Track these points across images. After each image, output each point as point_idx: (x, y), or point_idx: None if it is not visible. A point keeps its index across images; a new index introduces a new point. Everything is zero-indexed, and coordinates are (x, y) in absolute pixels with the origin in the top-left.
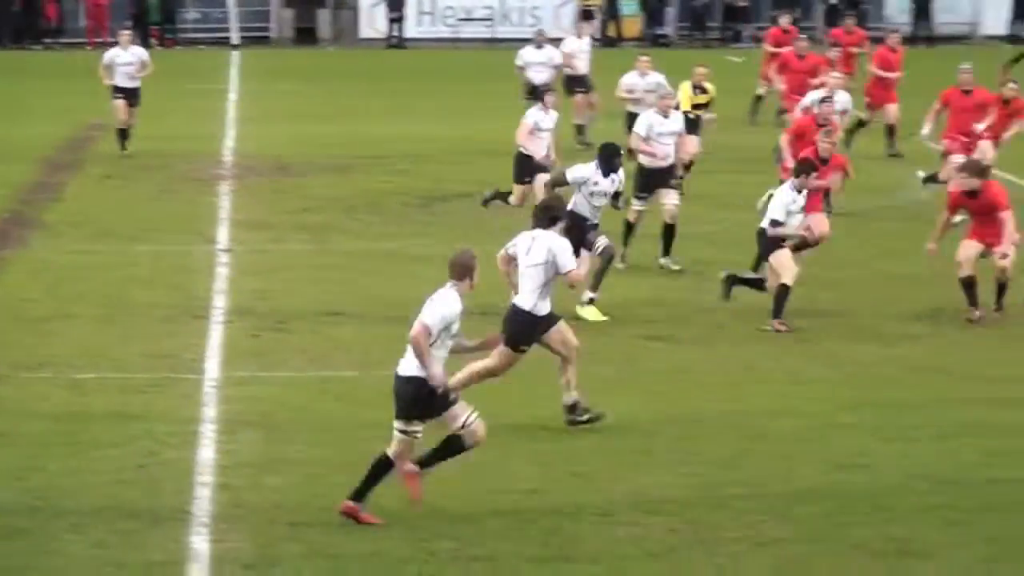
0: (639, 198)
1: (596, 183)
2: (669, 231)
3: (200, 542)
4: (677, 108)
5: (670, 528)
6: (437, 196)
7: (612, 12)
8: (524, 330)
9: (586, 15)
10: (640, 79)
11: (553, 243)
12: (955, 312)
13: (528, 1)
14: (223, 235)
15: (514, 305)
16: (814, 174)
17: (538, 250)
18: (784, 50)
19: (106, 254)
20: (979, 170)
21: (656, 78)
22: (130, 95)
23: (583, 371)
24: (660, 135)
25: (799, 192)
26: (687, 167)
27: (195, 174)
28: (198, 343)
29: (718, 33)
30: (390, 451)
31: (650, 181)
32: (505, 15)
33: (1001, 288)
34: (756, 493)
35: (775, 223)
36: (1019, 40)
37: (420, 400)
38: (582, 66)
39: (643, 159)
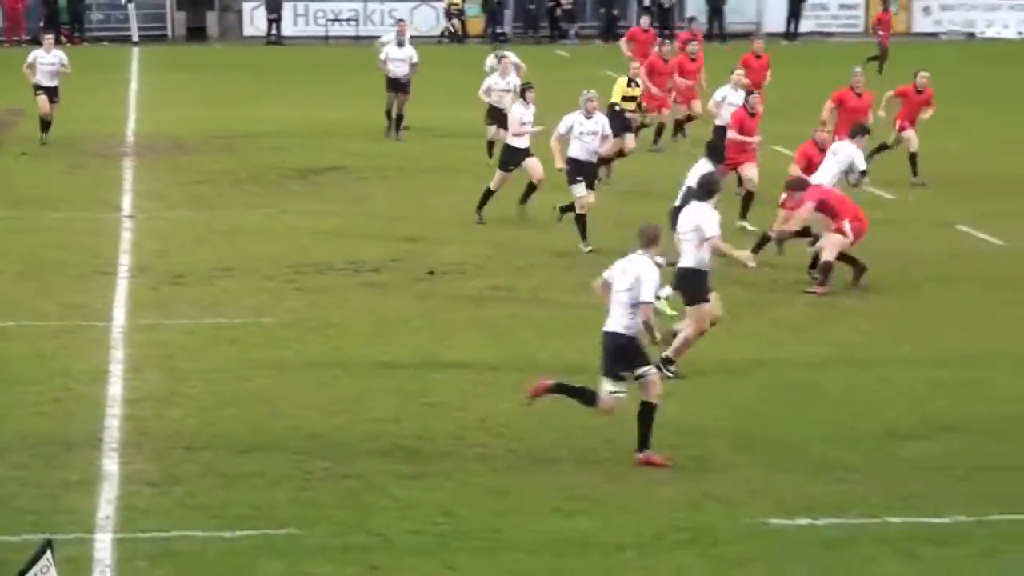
0: (577, 182)
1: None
2: (581, 221)
3: (110, 464)
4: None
5: (510, 449)
6: (310, 169)
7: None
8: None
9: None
10: (501, 79)
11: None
12: None
13: (387, 5)
14: (127, 204)
15: (684, 268)
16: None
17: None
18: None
19: (24, 220)
20: (801, 186)
21: (515, 79)
22: (51, 92)
23: (438, 317)
24: (582, 134)
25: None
26: (606, 161)
27: (102, 152)
28: (106, 295)
29: (547, 31)
30: (651, 398)
31: (584, 169)
32: (368, 16)
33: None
34: (579, 422)
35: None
36: (794, 36)
37: (631, 352)
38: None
39: (572, 151)
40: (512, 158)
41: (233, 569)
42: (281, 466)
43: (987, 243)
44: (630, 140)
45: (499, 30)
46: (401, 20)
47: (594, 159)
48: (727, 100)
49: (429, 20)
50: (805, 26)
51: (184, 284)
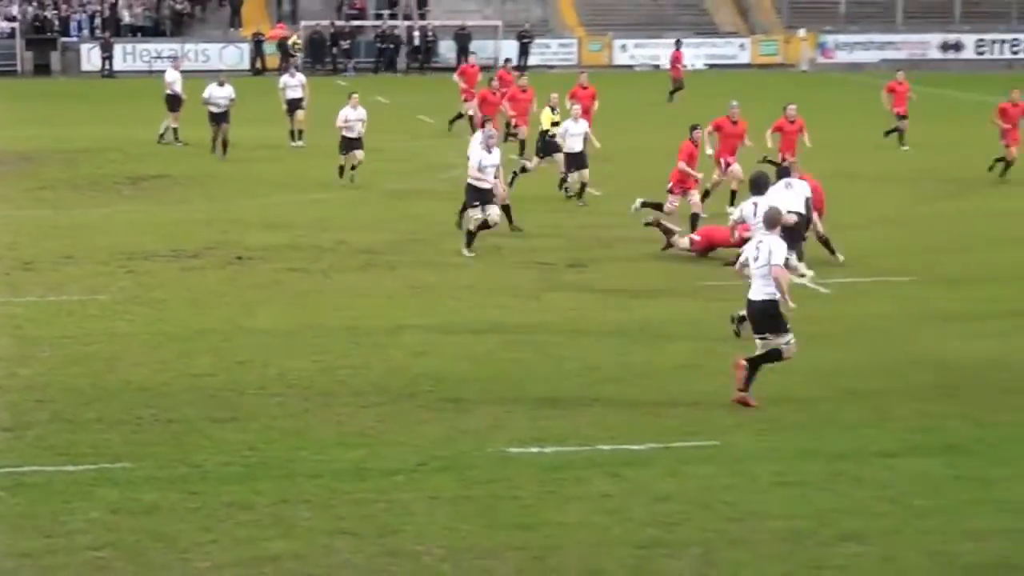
0: (474, 207)
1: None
2: (507, 210)
3: None
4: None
5: (303, 397)
6: (140, 177)
7: (259, 50)
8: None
9: (286, 55)
10: (352, 111)
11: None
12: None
13: (200, 45)
14: None
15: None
16: None
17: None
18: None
19: None
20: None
21: (363, 113)
22: None
23: (245, 292)
24: (485, 168)
25: None
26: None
27: None
28: None
29: (331, 64)
30: (756, 355)
31: (482, 195)
32: (185, 54)
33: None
34: (359, 374)
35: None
36: (524, 68)
37: (773, 316)
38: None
39: (472, 181)
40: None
41: (77, 496)
42: (117, 413)
43: None
44: (560, 160)
45: (293, 61)
46: (221, 72)
47: (490, 186)
48: (568, 131)
49: (234, 56)
50: (532, 60)
51: (32, 270)
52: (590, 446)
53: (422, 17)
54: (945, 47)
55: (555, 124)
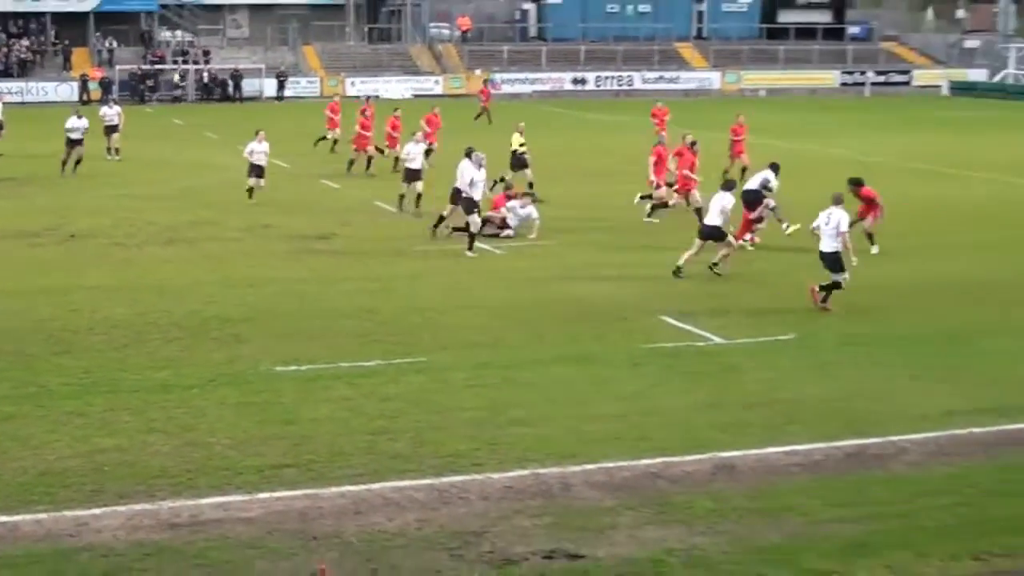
0: (474, 212)
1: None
2: (473, 237)
3: None
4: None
5: (123, 334)
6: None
7: (85, 87)
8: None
9: (107, 89)
10: (257, 144)
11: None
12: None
13: (41, 83)
14: None
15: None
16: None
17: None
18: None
19: None
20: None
21: (267, 146)
22: None
23: (78, 260)
24: (475, 183)
25: None
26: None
27: None
28: None
29: (140, 97)
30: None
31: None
32: (28, 91)
33: None
34: (165, 317)
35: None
36: (282, 99)
37: (840, 262)
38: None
39: (465, 194)
40: (470, 203)
41: None
42: None
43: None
44: (530, 173)
45: (111, 96)
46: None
47: (480, 196)
48: (409, 153)
49: (67, 91)
50: (288, 93)
51: None
52: (334, 364)
53: (206, 62)
54: (575, 82)
55: (522, 145)
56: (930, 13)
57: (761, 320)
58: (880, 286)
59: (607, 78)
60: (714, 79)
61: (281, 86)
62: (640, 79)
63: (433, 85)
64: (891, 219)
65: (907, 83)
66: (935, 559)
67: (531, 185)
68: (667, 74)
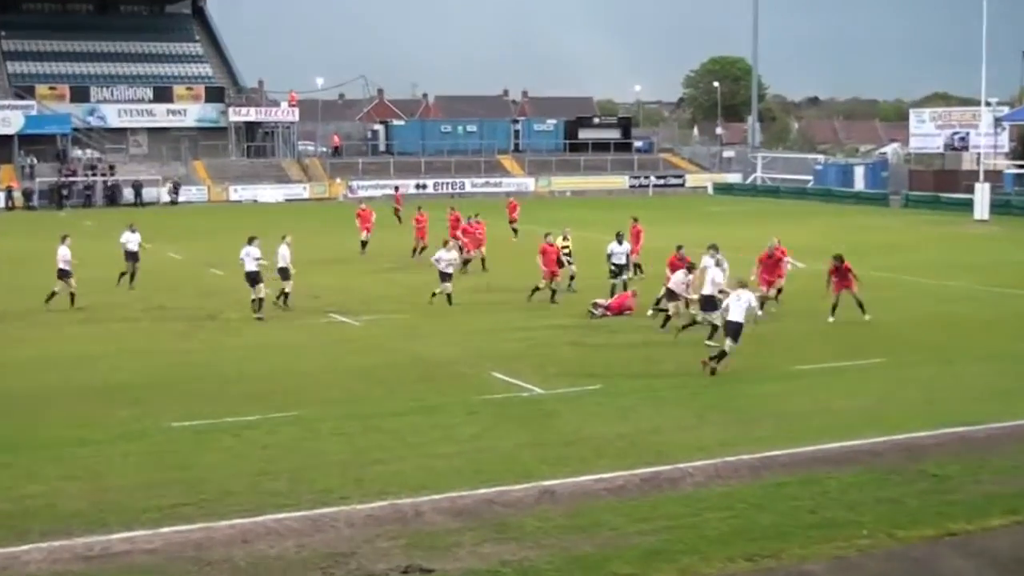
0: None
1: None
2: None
3: None
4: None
5: (48, 401)
6: None
7: (10, 196)
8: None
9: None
10: (131, 234)
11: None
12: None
13: None
14: None
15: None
16: None
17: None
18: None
19: None
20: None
21: (139, 236)
22: None
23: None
24: (440, 259)
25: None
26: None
27: None
28: None
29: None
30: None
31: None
32: None
33: None
34: (82, 385)
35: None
36: (176, 203)
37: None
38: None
39: (442, 267)
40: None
41: None
42: None
43: None
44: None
45: (31, 203)
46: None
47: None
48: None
49: None
50: (181, 198)
51: None
52: (221, 419)
53: (112, 174)
54: (418, 186)
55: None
56: (696, 131)
57: (573, 374)
58: (671, 343)
59: (443, 183)
60: (529, 183)
61: (175, 192)
62: (470, 184)
63: (301, 191)
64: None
65: (682, 184)
66: (716, 562)
67: (572, 278)
68: (492, 179)
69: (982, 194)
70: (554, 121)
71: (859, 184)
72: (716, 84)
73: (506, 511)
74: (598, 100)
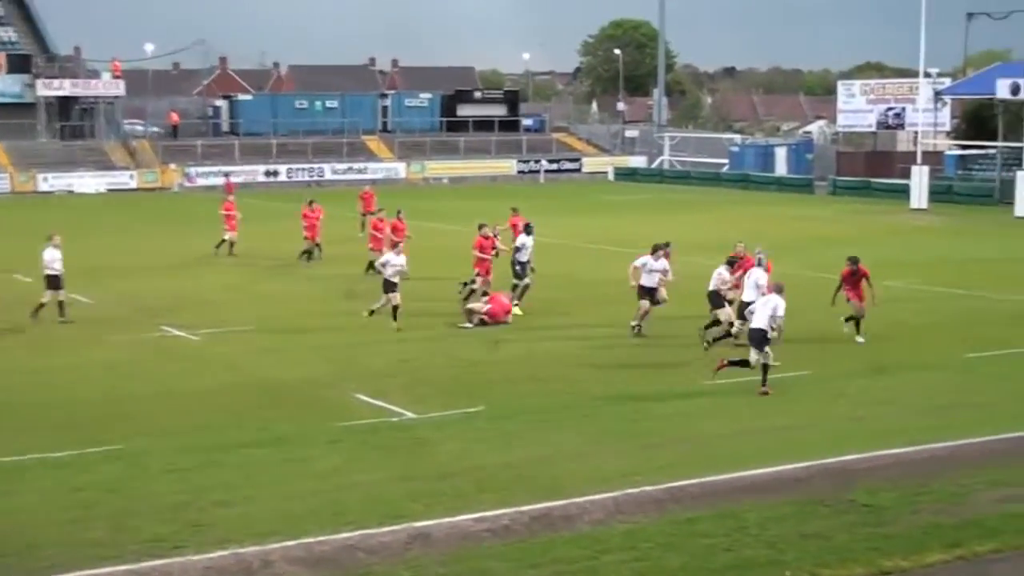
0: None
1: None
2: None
3: None
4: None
5: None
6: None
7: None
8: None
9: None
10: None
11: None
12: None
13: None
14: None
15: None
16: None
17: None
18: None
19: None
20: None
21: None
22: None
23: None
24: (390, 263)
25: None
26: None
27: None
28: None
29: None
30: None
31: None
32: None
33: None
34: None
35: None
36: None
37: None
38: None
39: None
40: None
41: None
42: None
43: None
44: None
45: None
46: None
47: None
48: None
49: None
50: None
51: None
52: (23, 456)
53: None
54: (267, 174)
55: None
56: (594, 106)
57: (452, 394)
58: (560, 356)
59: (298, 170)
60: (400, 169)
61: None
62: (330, 170)
63: (128, 180)
64: (562, 296)
65: (578, 170)
66: None
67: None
68: (356, 165)
69: (920, 179)
70: (429, 95)
71: (781, 168)
72: (617, 52)
73: (371, 558)
74: (480, 71)
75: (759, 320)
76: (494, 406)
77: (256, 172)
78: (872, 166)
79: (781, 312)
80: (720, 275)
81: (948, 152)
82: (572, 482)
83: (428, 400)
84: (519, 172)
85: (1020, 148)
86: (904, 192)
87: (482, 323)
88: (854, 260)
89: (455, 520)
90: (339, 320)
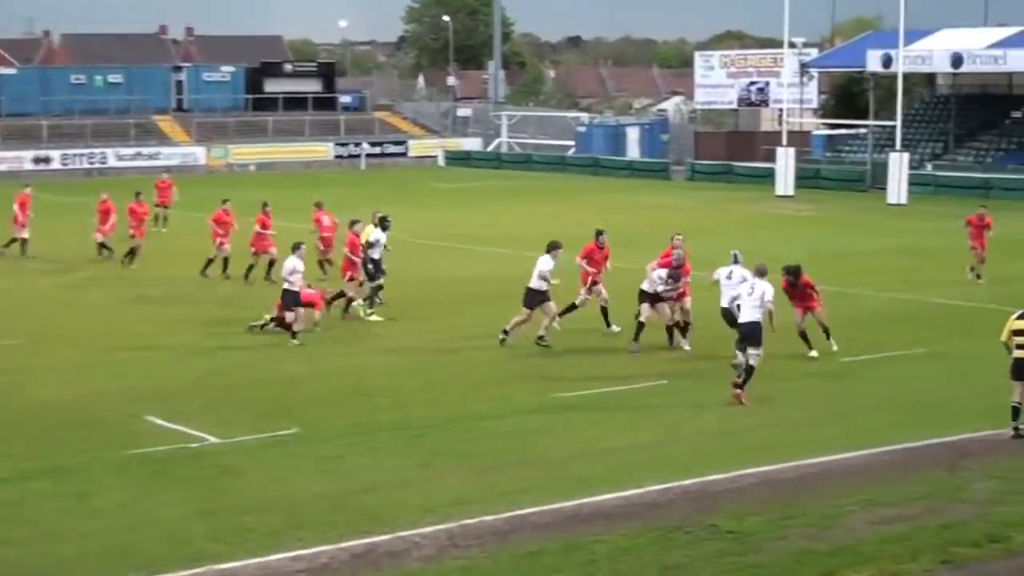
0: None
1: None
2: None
3: None
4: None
5: None
6: None
7: None
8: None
9: None
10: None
11: None
12: None
13: None
14: None
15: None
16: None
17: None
18: None
19: None
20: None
21: None
22: None
23: None
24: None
25: None
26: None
27: None
28: None
29: None
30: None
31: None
32: None
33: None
34: None
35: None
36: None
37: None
38: None
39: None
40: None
41: None
42: None
43: None
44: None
45: None
46: None
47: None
48: None
49: None
50: None
51: None
52: None
53: None
54: (37, 160)
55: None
56: (421, 81)
57: (262, 415)
58: (387, 368)
59: (76, 156)
60: (199, 154)
61: None
62: (115, 156)
63: None
64: (404, 298)
65: (404, 154)
66: None
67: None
68: (145, 150)
69: (786, 163)
70: (231, 69)
71: (633, 151)
72: (446, 19)
73: None
74: (290, 40)
75: (749, 313)
76: (310, 428)
77: (23, 159)
78: (733, 148)
79: (770, 296)
80: (658, 275)
81: (816, 132)
82: (399, 513)
83: (234, 422)
84: (337, 157)
85: (893, 127)
86: (768, 177)
87: (280, 323)
88: (792, 271)
89: (265, 560)
90: (133, 328)
